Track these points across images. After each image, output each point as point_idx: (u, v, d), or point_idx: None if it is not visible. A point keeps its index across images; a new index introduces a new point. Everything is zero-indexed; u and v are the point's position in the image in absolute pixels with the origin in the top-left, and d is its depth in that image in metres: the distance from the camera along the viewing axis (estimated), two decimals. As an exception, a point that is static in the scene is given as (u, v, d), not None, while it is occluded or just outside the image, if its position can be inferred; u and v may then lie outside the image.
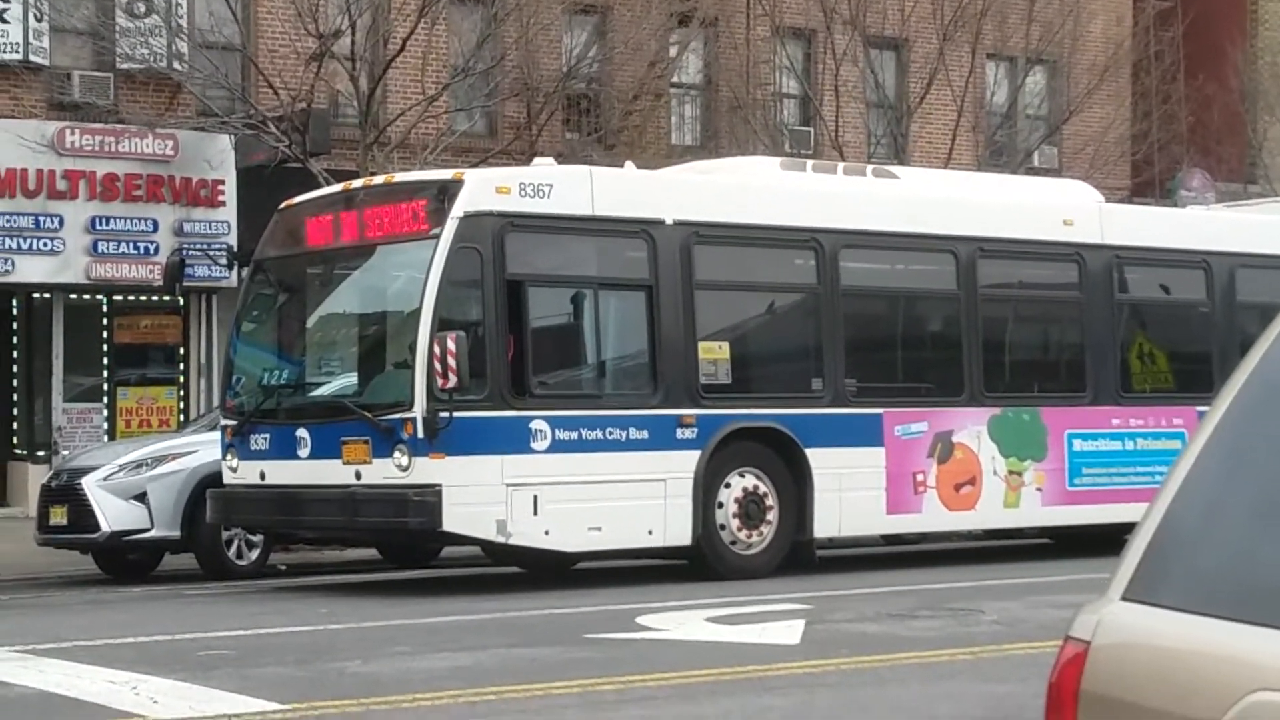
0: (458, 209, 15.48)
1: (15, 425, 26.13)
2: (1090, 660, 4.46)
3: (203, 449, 18.30)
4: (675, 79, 30.93)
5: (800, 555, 17.42)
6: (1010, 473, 18.61)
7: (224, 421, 17.25)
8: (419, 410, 15.13)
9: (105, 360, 26.30)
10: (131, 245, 25.42)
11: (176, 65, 25.73)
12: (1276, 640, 4.03)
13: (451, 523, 15.30)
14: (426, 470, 15.21)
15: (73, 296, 25.84)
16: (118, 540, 18.49)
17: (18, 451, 26.01)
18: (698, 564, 16.85)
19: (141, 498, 18.35)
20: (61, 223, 25.08)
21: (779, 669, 10.85)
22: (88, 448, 22.56)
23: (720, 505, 16.76)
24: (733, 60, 30.81)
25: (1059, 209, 19.68)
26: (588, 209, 16.32)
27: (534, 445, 15.64)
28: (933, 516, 18.26)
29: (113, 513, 18.23)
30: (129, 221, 25.53)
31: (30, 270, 24.95)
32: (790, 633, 12.56)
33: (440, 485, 15.17)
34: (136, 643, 12.50)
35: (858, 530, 18.35)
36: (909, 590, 15.69)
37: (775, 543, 17.10)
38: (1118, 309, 19.84)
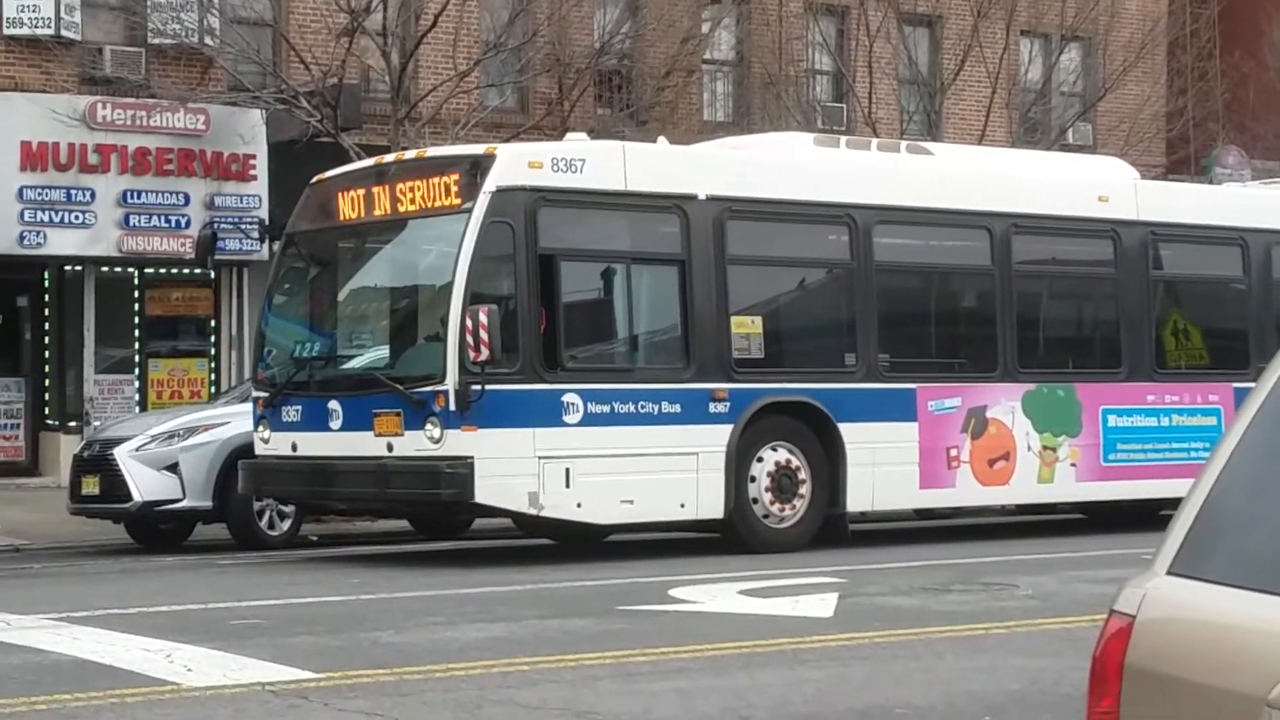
0: (490, 183, 15.48)
1: (48, 396, 26.19)
2: (1135, 634, 4.42)
3: (234, 420, 18.33)
4: (708, 55, 30.83)
5: (833, 529, 17.38)
6: (1044, 448, 18.58)
7: (255, 393, 17.27)
8: (451, 383, 15.15)
9: (136, 332, 26.33)
10: (163, 219, 25.43)
11: (208, 40, 25.71)
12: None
13: (483, 495, 15.30)
14: (458, 443, 15.21)
15: (104, 269, 25.87)
16: (150, 510, 18.54)
17: (50, 422, 26.07)
18: (729, 537, 16.83)
19: (173, 468, 18.39)
20: (93, 196, 25.10)
21: (812, 642, 10.82)
22: (120, 419, 22.60)
23: (753, 479, 16.74)
24: (765, 36, 30.69)
25: (1094, 185, 19.60)
26: (620, 184, 16.31)
27: (566, 418, 15.66)
28: (966, 491, 18.26)
29: (145, 483, 18.27)
30: (160, 195, 25.54)
31: (62, 243, 24.98)
32: (824, 606, 12.53)
33: (472, 458, 15.18)
34: (170, 611, 12.52)
35: (890, 505, 18.36)
36: (943, 564, 15.65)
37: (807, 517, 17.08)
38: (1153, 285, 19.76)
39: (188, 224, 25.22)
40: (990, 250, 18.59)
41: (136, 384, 26.16)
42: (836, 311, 18.03)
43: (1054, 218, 19.06)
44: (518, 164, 15.75)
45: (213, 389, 25.93)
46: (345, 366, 16.85)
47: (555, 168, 15.90)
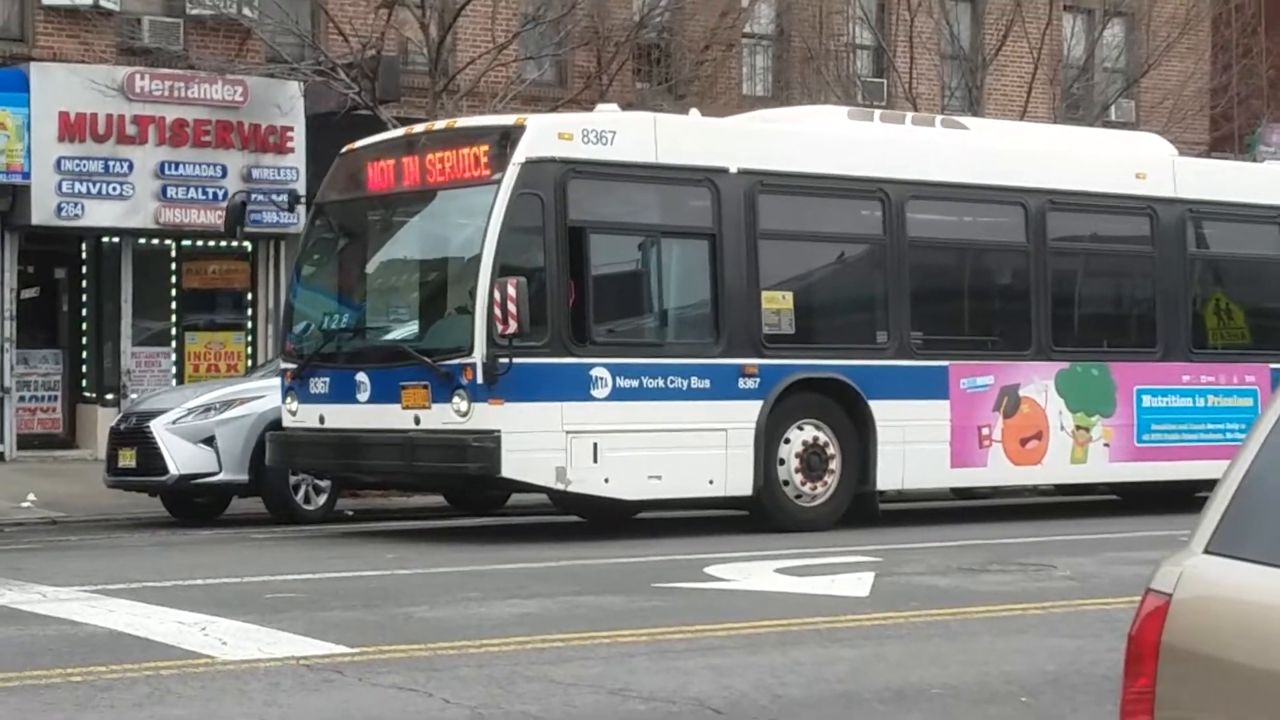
0: (520, 154, 15.39)
1: (85, 369, 26.25)
2: (1172, 613, 4.38)
3: (270, 394, 18.30)
4: (747, 29, 30.70)
5: (863, 508, 17.29)
6: (1078, 428, 18.45)
7: (283, 365, 17.24)
8: (479, 356, 15.08)
9: (173, 305, 26.36)
10: (200, 190, 25.44)
11: (246, 11, 25.71)
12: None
13: (510, 469, 15.25)
14: (485, 416, 15.14)
15: (141, 241, 25.89)
16: (186, 483, 18.56)
17: (87, 395, 26.13)
18: (758, 515, 16.75)
19: (210, 441, 18.40)
20: (131, 167, 25.12)
21: (848, 621, 10.78)
22: (156, 391, 22.64)
23: (782, 461, 16.62)
24: (806, 10, 30.56)
25: (1131, 162, 19.46)
26: (651, 156, 16.22)
27: (594, 392, 15.59)
28: (998, 471, 18.15)
29: (181, 456, 18.29)
30: (198, 167, 25.55)
31: (100, 215, 25.01)
32: (859, 585, 12.48)
33: (499, 431, 15.11)
34: (205, 584, 12.53)
35: (921, 483, 18.25)
36: (979, 544, 15.58)
37: (837, 495, 16.98)
38: (1190, 264, 19.60)
39: (225, 196, 25.21)
40: (1025, 227, 18.45)
41: (173, 357, 26.19)
42: (868, 287, 17.89)
43: (1090, 194, 18.89)
44: (548, 135, 15.65)
45: (249, 362, 25.96)
46: (373, 339, 16.78)
47: (586, 139, 15.80)
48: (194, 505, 19.32)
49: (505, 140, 15.57)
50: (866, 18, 31.06)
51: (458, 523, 18.96)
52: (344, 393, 16.25)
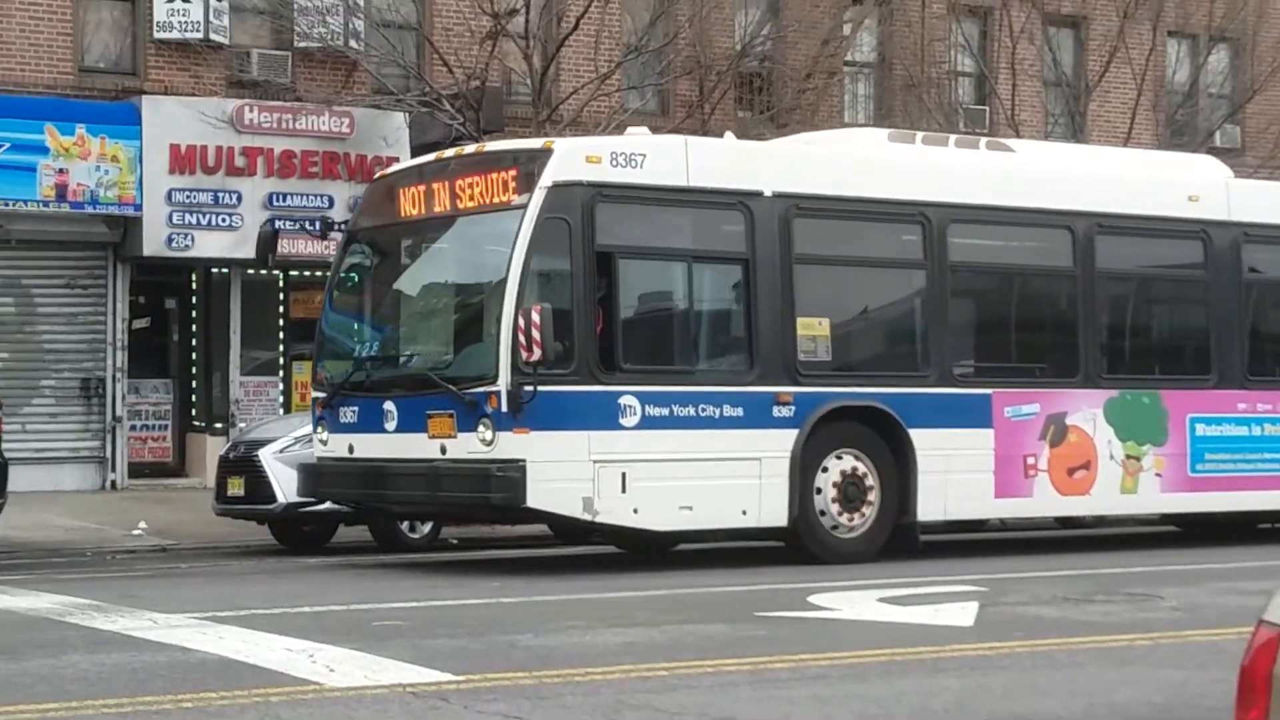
0: (546, 178, 15.13)
1: (194, 398, 26.58)
2: (1286, 645, 4.34)
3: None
4: (849, 57, 30.74)
5: (903, 540, 16.88)
6: (1128, 457, 18.05)
7: (314, 394, 17.06)
8: (503, 384, 14.82)
9: (281, 334, 26.66)
10: (308, 221, 25.70)
11: (353, 44, 26.01)
12: None
13: (536, 499, 14.94)
14: (510, 445, 14.88)
15: (250, 272, 26.20)
16: (293, 511, 18.72)
17: (196, 423, 26.46)
18: (794, 547, 16.41)
19: (317, 470, 18.52)
20: (240, 199, 25.46)
21: (952, 650, 10.73)
22: (264, 420, 22.87)
23: (819, 489, 16.30)
24: (907, 38, 30.53)
25: (1183, 184, 18.97)
26: (682, 180, 15.91)
27: (623, 421, 15.29)
28: (1044, 501, 17.72)
29: (289, 484, 18.43)
30: (305, 198, 25.85)
31: (209, 245, 25.35)
32: (964, 614, 12.43)
33: (524, 461, 14.84)
34: (313, 612, 12.65)
35: (964, 514, 17.75)
36: (1084, 574, 15.47)
37: (876, 526, 16.63)
38: (1245, 289, 19.12)
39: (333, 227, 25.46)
40: (1072, 251, 18.02)
41: (281, 386, 26.48)
42: (908, 313, 17.51)
43: (1140, 217, 18.42)
44: (575, 158, 15.37)
45: (355, 390, 26.14)
46: (400, 367, 16.50)
47: (614, 162, 15.52)
48: (301, 533, 19.49)
49: (532, 164, 15.32)
50: (968, 45, 30.99)
51: (561, 551, 19.02)
52: (372, 422, 16.05)
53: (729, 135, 18.31)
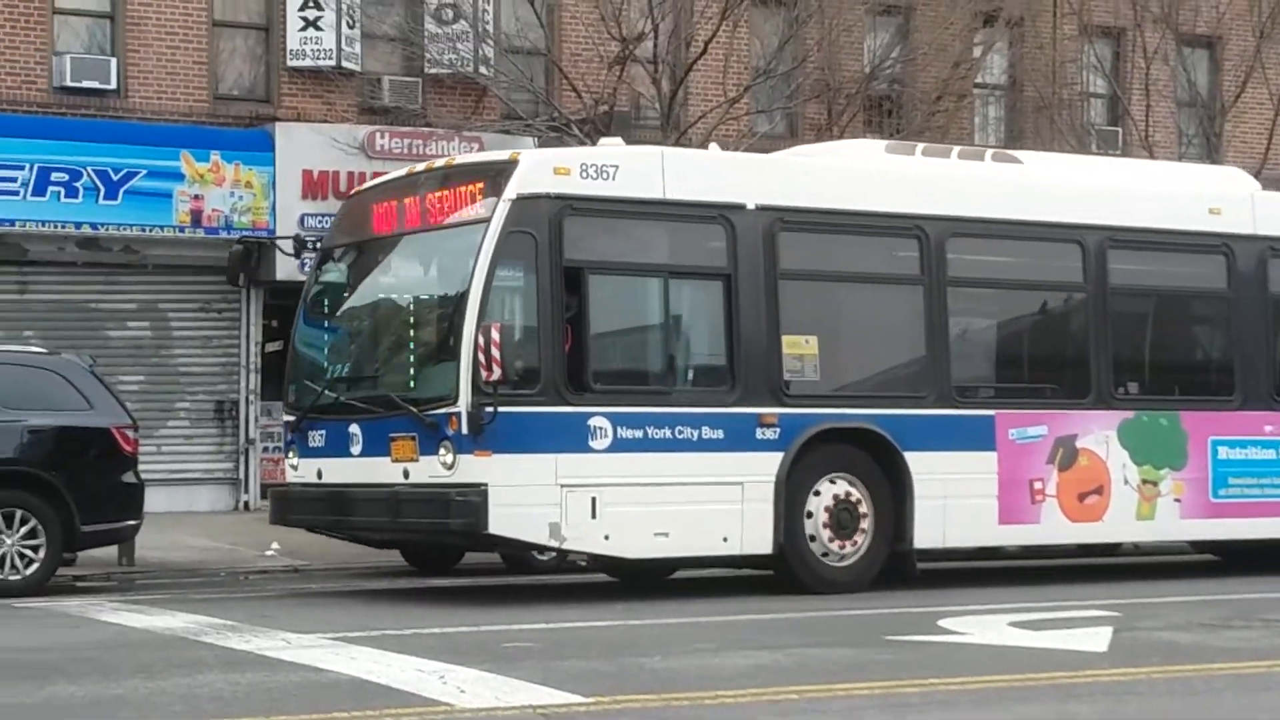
0: (510, 191, 14.61)
1: (326, 421, 26.79)
2: None
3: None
4: (979, 79, 30.55)
5: (899, 567, 16.27)
6: (1144, 482, 17.23)
7: (285, 417, 16.67)
8: (463, 404, 14.31)
9: (412, 358, 26.81)
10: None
11: (483, 70, 26.19)
12: None
13: (498, 525, 14.40)
14: (471, 468, 14.35)
15: (382, 296, 26.39)
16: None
17: (328, 446, 26.67)
18: (782, 576, 15.81)
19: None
20: (372, 223, 25.66)
21: (1085, 676, 10.62)
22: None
23: (809, 514, 15.69)
24: (1038, 60, 30.31)
25: (1205, 197, 18.11)
26: (658, 192, 15.31)
27: (592, 443, 14.69)
28: (1052, 528, 16.87)
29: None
30: (436, 222, 26.01)
31: (341, 270, 25.56)
32: (1097, 639, 12.29)
33: (486, 485, 14.30)
34: (443, 633, 12.72)
35: (965, 541, 16.96)
36: (1220, 599, 15.26)
37: (870, 554, 15.97)
38: (1273, 305, 18.20)
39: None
40: (1083, 266, 17.25)
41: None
42: (903, 332, 16.68)
43: (1156, 231, 17.62)
44: (541, 170, 14.87)
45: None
46: (365, 388, 15.87)
47: (584, 174, 14.97)
48: (431, 555, 19.58)
49: (497, 176, 14.81)
50: (1100, 66, 30.70)
51: (687, 575, 18.98)
52: (339, 446, 15.57)
53: (713, 146, 17.64)
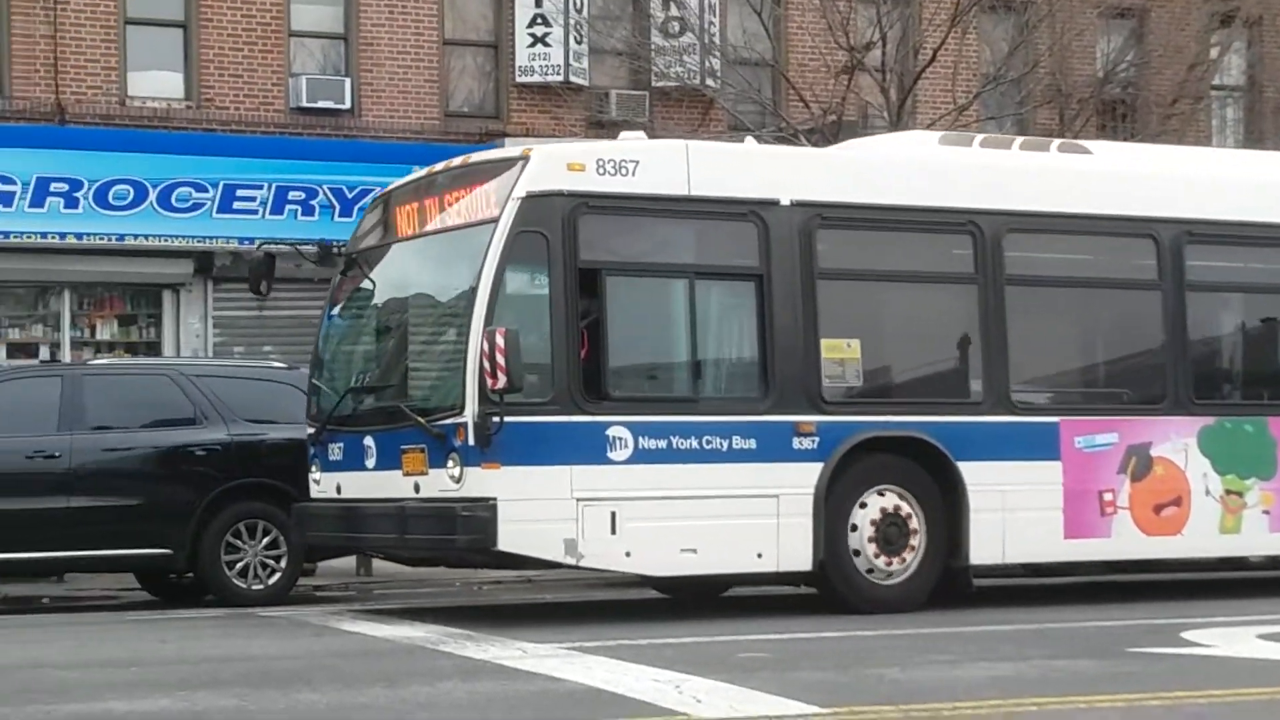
0: (519, 189, 13.86)
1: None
2: None
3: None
4: (1216, 81, 29.90)
5: (955, 584, 15.39)
6: (1228, 492, 16.07)
7: (307, 429, 15.87)
8: (470, 414, 13.56)
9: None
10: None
11: (710, 81, 26.25)
12: None
13: (508, 541, 13.61)
14: (479, 482, 13.61)
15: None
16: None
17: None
18: (825, 594, 14.98)
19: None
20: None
21: (1339, 690, 10.31)
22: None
23: (854, 527, 14.77)
24: (1278, 60, 29.59)
25: None
26: (683, 188, 14.44)
27: (611, 454, 13.90)
28: (1125, 542, 15.75)
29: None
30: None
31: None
32: (1350, 653, 11.94)
33: (495, 499, 13.53)
34: (678, 643, 12.72)
35: (1026, 557, 15.83)
36: None
37: (922, 571, 15.03)
38: None
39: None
40: (1156, 262, 16.09)
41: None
42: (956, 334, 15.65)
43: (1239, 224, 16.42)
44: (553, 166, 14.05)
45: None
46: (378, 399, 15.15)
47: (601, 170, 14.16)
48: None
49: (507, 174, 14.10)
50: (1343, 64, 29.91)
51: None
52: (356, 459, 14.90)
53: (749, 140, 16.91)
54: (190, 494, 16.78)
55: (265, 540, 16.91)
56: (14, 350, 24.71)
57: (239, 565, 16.85)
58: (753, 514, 14.34)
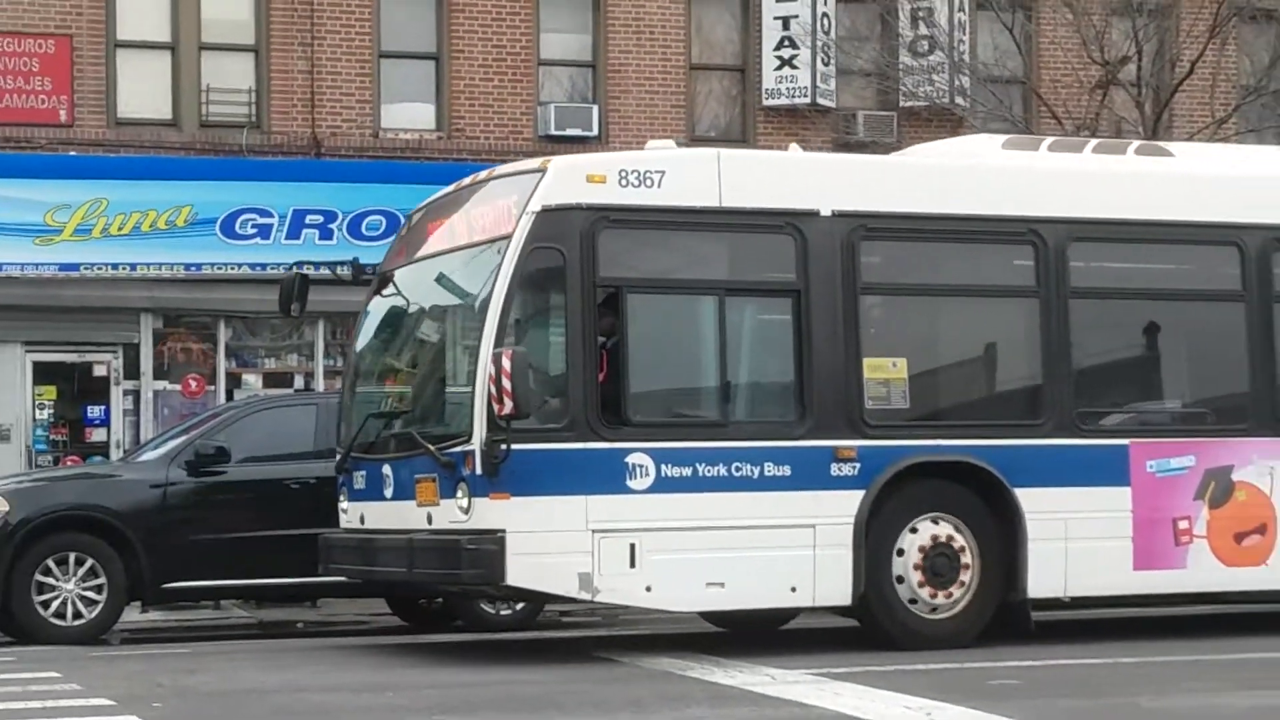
0: (534, 203, 13.10)
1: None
2: None
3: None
4: None
5: (1012, 619, 14.35)
6: None
7: (337, 456, 15.22)
8: (478, 441, 12.86)
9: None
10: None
11: (959, 100, 25.99)
12: None
13: (518, 576, 12.86)
14: (487, 513, 12.90)
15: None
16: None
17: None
18: (868, 628, 14.05)
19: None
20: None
21: None
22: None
23: (900, 552, 13.79)
24: None
25: None
26: (714, 200, 13.59)
27: (631, 483, 13.07)
28: (1202, 573, 14.57)
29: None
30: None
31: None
32: None
33: (503, 531, 12.79)
34: (926, 670, 12.55)
35: (1092, 590, 14.63)
36: None
37: (974, 605, 14.01)
38: None
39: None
40: (1240, 271, 14.91)
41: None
42: (1014, 351, 14.73)
43: None
44: (571, 178, 13.28)
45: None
46: (392, 425, 14.51)
47: (624, 182, 13.33)
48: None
49: (523, 187, 13.34)
50: None
51: (1169, 611, 18.23)
52: (376, 489, 14.27)
53: (794, 147, 15.93)
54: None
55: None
56: (270, 380, 25.25)
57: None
58: (786, 545, 13.49)
